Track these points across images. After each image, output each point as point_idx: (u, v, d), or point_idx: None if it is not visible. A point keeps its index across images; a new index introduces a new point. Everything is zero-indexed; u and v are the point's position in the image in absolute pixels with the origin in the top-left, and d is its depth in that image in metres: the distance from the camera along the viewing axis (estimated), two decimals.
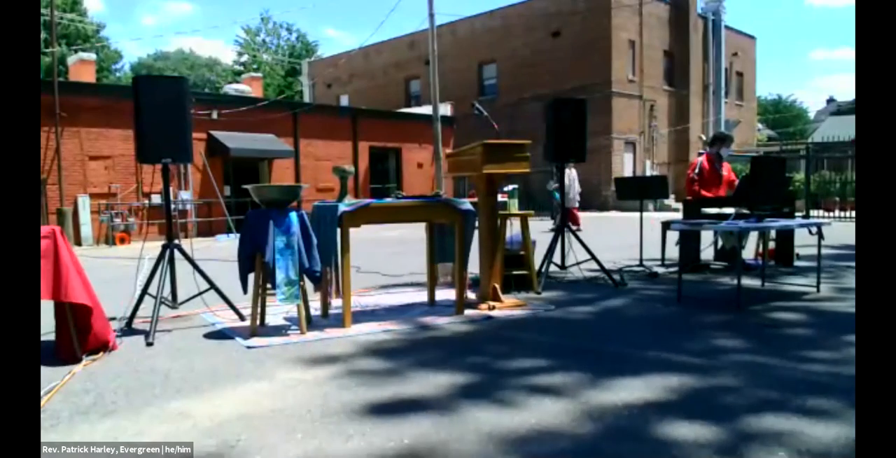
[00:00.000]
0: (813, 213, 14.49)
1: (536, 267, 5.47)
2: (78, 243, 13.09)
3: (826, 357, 3.21)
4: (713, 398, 2.61)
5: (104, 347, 3.47)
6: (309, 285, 4.15)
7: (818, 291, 5.07)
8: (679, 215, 8.30)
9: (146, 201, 14.26)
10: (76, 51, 21.97)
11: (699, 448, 2.11)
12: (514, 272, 5.32)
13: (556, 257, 6.01)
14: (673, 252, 6.66)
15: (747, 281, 5.45)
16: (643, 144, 24.17)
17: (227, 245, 10.85)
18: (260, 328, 3.96)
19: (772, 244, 6.69)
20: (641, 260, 6.68)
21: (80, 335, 3.36)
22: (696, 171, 6.73)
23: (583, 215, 13.49)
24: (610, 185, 19.57)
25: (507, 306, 4.61)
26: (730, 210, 5.37)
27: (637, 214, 7.32)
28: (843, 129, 23.83)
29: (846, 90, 79.17)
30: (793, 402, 2.53)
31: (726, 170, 6.87)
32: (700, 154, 7.15)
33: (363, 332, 3.93)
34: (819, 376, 2.88)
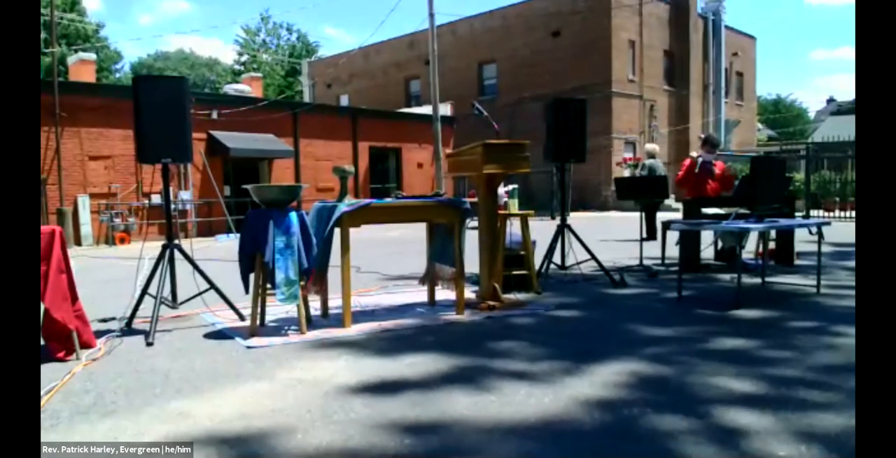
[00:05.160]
0: (813, 213, 14.48)
1: (536, 267, 5.47)
2: (78, 243, 13.09)
3: (826, 356, 3.21)
4: (712, 396, 2.61)
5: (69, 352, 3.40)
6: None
7: (818, 290, 5.07)
8: (679, 215, 8.31)
9: (146, 201, 14.25)
10: (76, 51, 21.97)
11: (694, 444, 2.11)
12: (514, 272, 5.32)
13: (557, 257, 6.02)
14: (673, 252, 6.66)
15: (747, 280, 5.46)
16: (643, 144, 24.16)
17: (227, 245, 10.85)
18: (260, 328, 3.96)
19: (772, 244, 6.70)
20: (641, 260, 6.68)
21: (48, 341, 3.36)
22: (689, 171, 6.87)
23: (583, 215, 13.49)
24: (610, 185, 19.56)
25: (507, 306, 4.62)
26: (730, 210, 5.39)
27: (637, 214, 7.32)
28: (843, 129, 23.83)
29: (846, 90, 79.26)
30: (793, 400, 2.54)
31: (718, 168, 6.98)
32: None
33: (363, 332, 3.93)
34: (819, 374, 2.88)
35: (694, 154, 7.18)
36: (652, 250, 7.00)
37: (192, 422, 2.43)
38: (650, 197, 7.77)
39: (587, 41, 23.06)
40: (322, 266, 4.18)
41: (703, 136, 8.71)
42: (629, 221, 10.76)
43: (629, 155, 9.30)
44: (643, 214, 7.93)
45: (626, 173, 10.22)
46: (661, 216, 8.53)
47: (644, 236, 7.09)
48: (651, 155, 10.73)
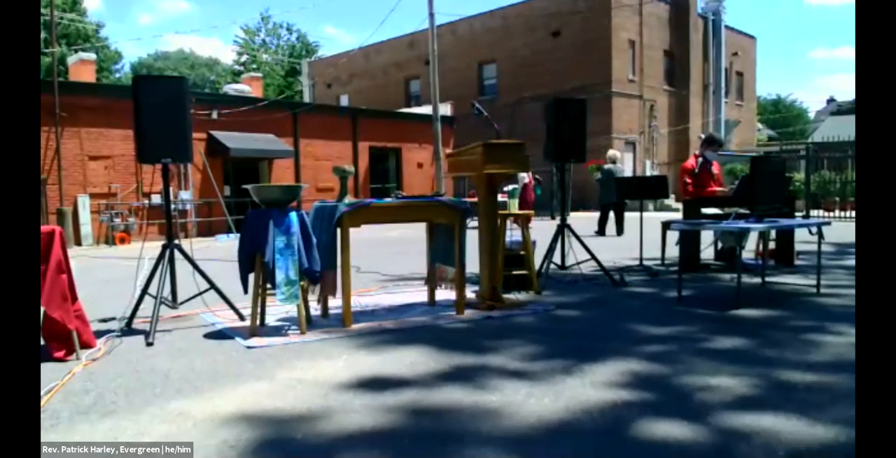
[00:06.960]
0: (813, 213, 14.49)
1: (536, 267, 5.47)
2: (78, 242, 13.08)
3: (826, 356, 3.21)
4: (712, 396, 2.61)
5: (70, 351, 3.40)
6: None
7: (818, 290, 5.07)
8: (679, 215, 8.31)
9: (146, 201, 14.25)
10: (76, 51, 21.96)
11: (694, 444, 2.11)
12: (514, 272, 5.32)
13: (557, 257, 6.02)
14: (673, 252, 6.66)
15: (747, 280, 5.46)
16: (643, 144, 24.17)
17: (227, 245, 10.85)
18: (260, 328, 3.96)
19: (772, 244, 6.69)
20: (641, 260, 6.68)
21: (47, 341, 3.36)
22: (696, 170, 6.78)
23: (582, 215, 13.53)
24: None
25: (507, 306, 4.62)
26: (729, 210, 5.39)
27: (637, 214, 7.32)
28: (843, 129, 23.81)
29: (846, 90, 79.33)
30: (793, 400, 2.54)
31: (716, 168, 6.98)
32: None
33: (363, 332, 3.93)
34: (819, 374, 2.88)
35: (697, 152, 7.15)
36: (652, 250, 6.99)
37: (192, 422, 2.43)
38: (650, 196, 7.79)
39: (587, 41, 23.06)
40: (332, 268, 4.17)
41: (703, 136, 8.78)
42: (629, 220, 10.82)
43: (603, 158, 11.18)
44: (601, 214, 8.65)
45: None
46: (661, 216, 8.54)
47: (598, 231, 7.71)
48: (612, 160, 11.93)
